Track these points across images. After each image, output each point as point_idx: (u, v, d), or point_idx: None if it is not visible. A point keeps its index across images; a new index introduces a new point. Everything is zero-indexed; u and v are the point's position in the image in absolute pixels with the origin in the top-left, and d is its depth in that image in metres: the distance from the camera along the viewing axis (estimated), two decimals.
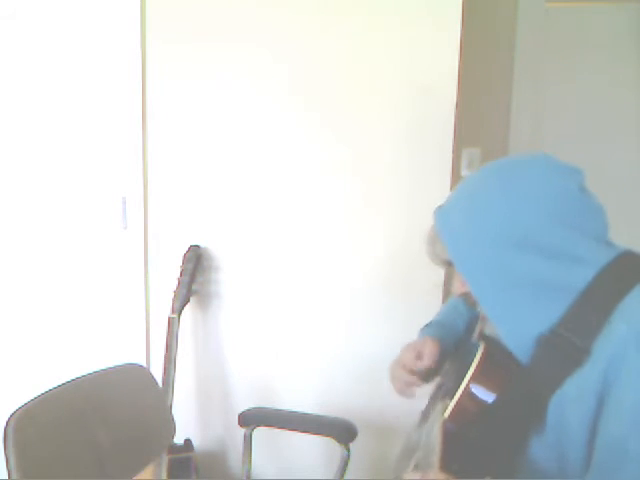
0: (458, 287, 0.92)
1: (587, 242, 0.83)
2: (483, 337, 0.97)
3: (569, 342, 0.79)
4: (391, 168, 1.74)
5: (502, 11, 2.31)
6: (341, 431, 1.49)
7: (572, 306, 0.80)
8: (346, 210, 1.78)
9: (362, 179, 1.76)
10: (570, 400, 0.79)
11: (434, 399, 1.11)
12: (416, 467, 0.84)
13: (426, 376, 1.09)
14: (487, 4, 2.24)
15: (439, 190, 1.71)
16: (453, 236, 0.89)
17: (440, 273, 1.72)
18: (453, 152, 1.70)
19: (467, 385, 0.90)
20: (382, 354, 1.80)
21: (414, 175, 1.73)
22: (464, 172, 2.28)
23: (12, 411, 1.02)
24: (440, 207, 0.95)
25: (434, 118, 1.69)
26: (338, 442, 1.48)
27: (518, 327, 0.84)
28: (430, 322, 1.24)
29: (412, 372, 1.08)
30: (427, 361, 1.07)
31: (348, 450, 1.46)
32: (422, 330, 1.22)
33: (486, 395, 0.88)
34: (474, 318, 1.10)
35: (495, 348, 0.91)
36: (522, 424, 0.84)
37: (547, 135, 2.36)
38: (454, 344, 1.15)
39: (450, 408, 0.90)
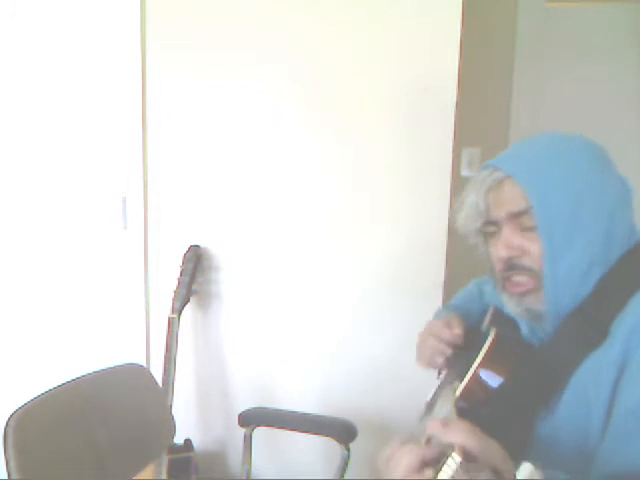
0: (503, 249, 0.86)
1: (630, 223, 0.85)
2: (494, 324, 0.96)
3: (590, 320, 0.80)
4: (391, 168, 1.74)
5: (502, 11, 2.31)
6: (341, 431, 1.49)
7: (601, 281, 0.81)
8: (346, 210, 1.78)
9: (362, 179, 1.76)
10: (590, 377, 0.79)
11: (440, 389, 1.10)
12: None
13: (454, 347, 1.08)
14: (487, 4, 2.24)
15: (439, 190, 1.71)
16: (542, 189, 0.83)
17: (440, 273, 1.72)
18: (453, 152, 1.70)
19: (477, 368, 0.89)
20: (382, 354, 1.81)
21: (414, 175, 1.73)
22: (464, 172, 2.28)
23: (12, 411, 1.02)
24: (514, 165, 0.87)
25: (434, 118, 1.69)
26: (338, 442, 1.48)
27: (579, 281, 0.82)
28: (447, 305, 1.23)
29: (441, 340, 1.06)
30: (457, 329, 1.05)
31: (348, 450, 1.46)
32: (438, 312, 1.21)
33: (494, 380, 0.88)
34: (486, 307, 1.09)
35: (506, 334, 0.91)
36: (534, 403, 0.84)
37: None
38: (467, 330, 1.14)
39: (460, 389, 0.90)
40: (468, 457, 0.56)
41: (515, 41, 2.32)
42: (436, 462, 0.58)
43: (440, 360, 1.07)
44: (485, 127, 2.31)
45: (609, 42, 2.30)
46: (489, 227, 0.89)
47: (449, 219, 1.70)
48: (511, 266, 0.86)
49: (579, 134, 0.92)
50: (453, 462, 0.55)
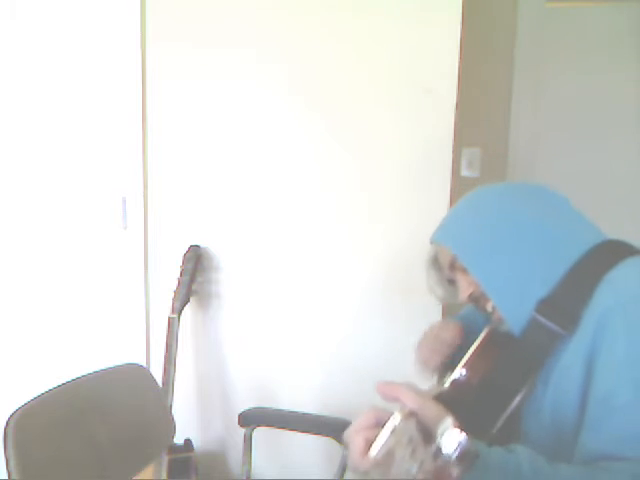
0: (464, 292, 0.99)
1: (582, 226, 0.94)
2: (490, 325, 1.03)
3: (562, 311, 0.86)
4: (391, 168, 1.74)
5: (502, 11, 2.31)
6: (341, 431, 1.48)
7: (565, 276, 0.87)
8: (346, 210, 1.78)
9: (361, 179, 1.76)
10: (564, 369, 0.85)
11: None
12: None
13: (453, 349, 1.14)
14: (487, 4, 2.24)
15: (439, 190, 1.71)
16: (459, 237, 0.98)
17: None
18: (453, 152, 1.70)
19: (466, 362, 0.99)
20: (382, 354, 1.81)
21: (414, 175, 1.73)
22: (464, 172, 2.29)
23: (12, 411, 1.02)
24: (436, 234, 1.04)
25: (434, 118, 1.69)
26: (338, 442, 1.48)
27: (520, 291, 0.90)
28: (453, 315, 1.28)
29: (441, 341, 1.15)
30: (455, 331, 1.15)
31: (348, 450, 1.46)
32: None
33: (462, 373, 0.98)
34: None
35: (499, 330, 0.98)
36: (513, 393, 0.90)
37: (547, 135, 2.36)
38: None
39: (449, 380, 0.98)
40: (412, 417, 0.61)
41: (515, 41, 2.32)
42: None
43: (438, 360, 1.13)
44: (485, 127, 2.31)
45: (609, 42, 2.30)
46: (451, 283, 1.06)
47: None
48: (477, 299, 0.99)
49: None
50: (394, 420, 0.60)
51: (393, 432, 0.59)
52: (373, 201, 1.76)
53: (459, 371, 0.98)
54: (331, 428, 1.52)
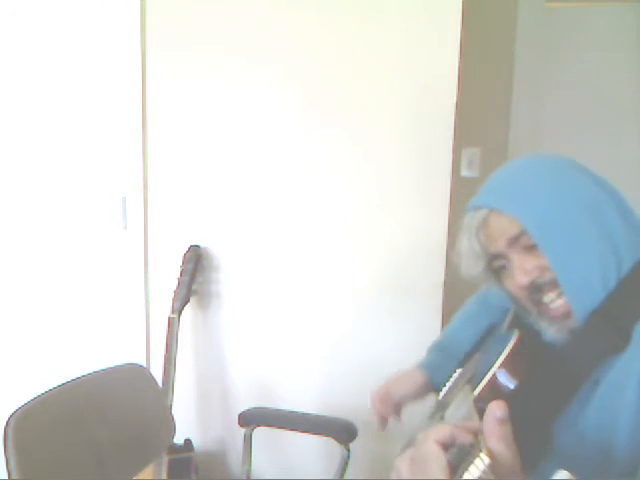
0: (522, 274, 0.85)
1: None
2: (514, 326, 0.94)
3: (611, 323, 0.78)
4: (391, 168, 1.74)
5: (502, 11, 2.31)
6: (341, 431, 1.49)
7: (622, 280, 0.79)
8: (346, 210, 1.78)
9: (362, 179, 1.76)
10: (613, 389, 0.77)
11: (454, 389, 1.10)
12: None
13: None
14: (487, 4, 2.24)
15: (439, 190, 1.71)
16: (532, 209, 0.83)
17: (440, 273, 1.72)
18: (453, 152, 1.70)
19: (496, 370, 0.87)
20: (382, 354, 1.81)
21: (414, 175, 1.73)
22: (464, 172, 2.28)
23: (12, 411, 1.02)
24: (492, 198, 0.88)
25: (434, 118, 1.69)
26: (338, 442, 1.48)
27: (592, 286, 0.80)
28: (435, 342, 1.23)
29: (391, 398, 1.18)
30: (393, 403, 1.18)
31: (348, 450, 1.46)
32: (428, 350, 1.23)
33: (511, 382, 0.87)
34: (504, 311, 1.06)
35: (528, 337, 0.89)
36: (552, 406, 0.82)
37: (547, 135, 2.36)
38: (460, 360, 1.14)
39: (479, 389, 0.88)
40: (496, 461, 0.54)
41: (515, 41, 2.32)
42: (462, 454, 0.57)
43: (388, 412, 1.20)
44: (485, 127, 2.31)
45: (609, 42, 2.30)
46: (496, 262, 0.88)
47: (449, 220, 1.70)
48: (537, 288, 0.84)
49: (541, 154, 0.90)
50: (482, 463, 0.53)
51: (489, 471, 0.52)
52: (373, 201, 1.76)
53: (488, 385, 0.87)
54: (331, 428, 1.52)
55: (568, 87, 2.34)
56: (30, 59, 1.86)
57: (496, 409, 0.57)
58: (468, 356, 1.11)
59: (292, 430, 1.62)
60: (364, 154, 1.75)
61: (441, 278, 1.73)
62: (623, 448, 0.75)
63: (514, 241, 0.84)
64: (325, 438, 1.55)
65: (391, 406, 1.19)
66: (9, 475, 0.98)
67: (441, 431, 0.60)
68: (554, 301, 0.84)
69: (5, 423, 1.00)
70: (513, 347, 0.88)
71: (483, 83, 2.25)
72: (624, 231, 0.82)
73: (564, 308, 0.83)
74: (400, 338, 1.75)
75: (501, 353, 0.88)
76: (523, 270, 0.84)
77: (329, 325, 1.84)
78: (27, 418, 1.04)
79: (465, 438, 0.59)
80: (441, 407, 1.09)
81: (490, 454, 0.53)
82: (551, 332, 0.86)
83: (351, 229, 1.79)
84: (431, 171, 1.71)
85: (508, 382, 0.87)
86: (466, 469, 0.53)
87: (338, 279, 1.81)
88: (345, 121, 1.75)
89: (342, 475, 1.48)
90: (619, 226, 0.81)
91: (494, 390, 0.88)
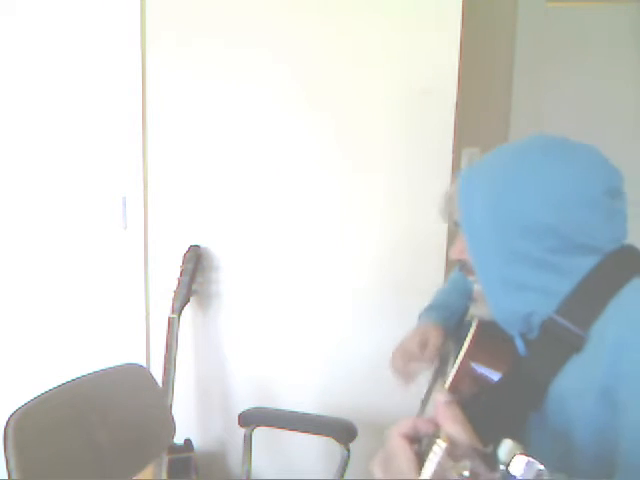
0: (455, 252, 0.90)
1: (598, 234, 0.81)
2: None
3: (566, 328, 0.79)
4: (391, 168, 1.74)
5: (502, 11, 2.31)
6: (341, 431, 1.49)
7: (572, 292, 0.80)
8: (346, 210, 1.78)
9: (362, 179, 1.76)
10: (573, 393, 0.78)
11: (432, 384, 1.11)
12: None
13: (430, 362, 1.12)
14: (487, 4, 2.24)
15: (439, 190, 1.70)
16: (470, 202, 0.86)
17: (440, 273, 1.72)
18: (453, 152, 1.70)
19: (462, 360, 0.91)
20: (382, 353, 1.80)
21: (414, 175, 1.73)
22: None
23: (12, 411, 1.02)
24: (469, 169, 0.91)
25: (434, 118, 1.69)
26: (338, 442, 1.48)
27: (515, 305, 0.82)
28: (432, 304, 1.24)
29: (415, 360, 1.12)
30: (432, 350, 1.09)
31: (348, 450, 1.47)
32: (424, 313, 1.23)
33: (481, 369, 0.90)
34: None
35: (487, 323, 0.91)
36: (518, 407, 0.83)
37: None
38: (456, 324, 1.15)
39: (449, 382, 0.92)
40: (453, 443, 0.56)
41: (515, 41, 2.32)
42: (430, 444, 0.58)
43: (412, 368, 1.13)
44: (485, 127, 2.30)
45: (609, 42, 2.30)
46: (455, 225, 0.92)
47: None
48: (461, 267, 0.90)
49: (536, 148, 0.86)
50: (439, 449, 0.55)
51: (447, 455, 0.54)
52: (373, 201, 1.76)
53: (456, 377, 0.92)
54: (331, 428, 1.52)
55: (568, 87, 2.34)
56: (29, 57, 1.86)
57: (440, 395, 0.61)
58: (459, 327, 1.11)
59: (292, 430, 1.62)
60: (364, 154, 1.75)
61: (441, 278, 1.73)
62: (582, 450, 0.76)
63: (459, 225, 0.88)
64: (325, 438, 1.56)
65: (412, 361, 1.15)
66: (9, 475, 0.99)
67: (403, 424, 0.63)
68: (477, 283, 0.87)
69: (5, 423, 1.00)
70: (473, 335, 0.92)
71: (483, 83, 2.25)
72: (597, 226, 0.80)
73: (481, 294, 0.87)
74: (399, 337, 1.75)
75: (464, 342, 0.92)
76: (455, 247, 0.90)
77: (329, 325, 1.84)
78: (27, 418, 1.04)
79: (428, 428, 0.62)
80: (423, 405, 1.10)
81: (447, 439, 0.55)
82: (472, 309, 0.90)
83: (351, 229, 1.79)
84: (431, 171, 1.71)
85: (480, 369, 0.90)
86: (427, 457, 0.56)
87: (338, 279, 1.81)
88: (345, 121, 1.74)
89: (342, 475, 1.48)
90: (585, 224, 0.80)
91: (464, 379, 0.90)
